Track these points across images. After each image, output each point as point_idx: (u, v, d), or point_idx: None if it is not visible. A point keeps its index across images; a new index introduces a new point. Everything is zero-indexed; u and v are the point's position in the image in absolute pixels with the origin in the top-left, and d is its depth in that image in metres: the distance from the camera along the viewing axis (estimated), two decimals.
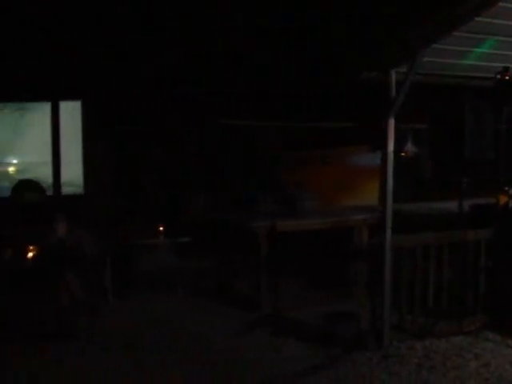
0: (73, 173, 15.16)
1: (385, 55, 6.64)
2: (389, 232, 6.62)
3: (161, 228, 9.44)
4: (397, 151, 6.80)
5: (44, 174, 14.58)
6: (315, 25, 10.89)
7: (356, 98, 10.42)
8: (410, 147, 9.99)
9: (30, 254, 7.93)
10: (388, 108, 6.63)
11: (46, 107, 14.89)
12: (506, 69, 6.71)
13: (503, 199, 7.13)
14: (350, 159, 10.35)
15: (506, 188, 7.14)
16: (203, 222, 10.86)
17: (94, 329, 7.48)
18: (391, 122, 6.62)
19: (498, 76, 6.74)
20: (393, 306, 6.78)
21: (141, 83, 13.22)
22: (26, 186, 13.03)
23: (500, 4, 5.54)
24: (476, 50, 6.52)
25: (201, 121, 12.19)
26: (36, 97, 14.40)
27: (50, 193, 14.11)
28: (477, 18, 5.73)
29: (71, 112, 15.08)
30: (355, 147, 10.44)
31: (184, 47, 12.45)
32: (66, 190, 14.93)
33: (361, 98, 10.02)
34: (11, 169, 15.77)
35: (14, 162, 15.84)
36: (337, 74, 10.26)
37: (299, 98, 11.54)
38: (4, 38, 12.50)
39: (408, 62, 6.37)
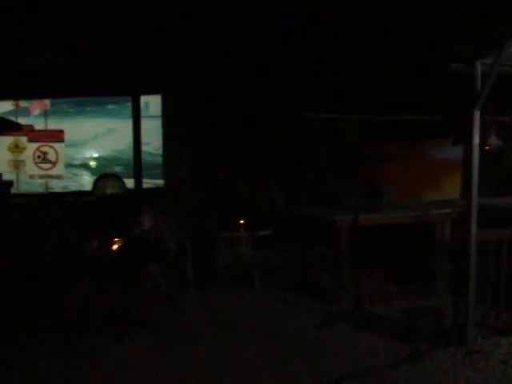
0: (153, 166, 15.45)
1: (470, 47, 6.52)
2: (474, 226, 6.51)
3: (241, 221, 9.50)
4: (481, 144, 6.67)
5: (125, 168, 14.89)
6: (402, 17, 10.81)
7: (439, 91, 10.29)
8: (494, 140, 9.78)
9: (115, 246, 8.09)
10: (473, 100, 6.51)
11: (127, 101, 15.20)
12: None
13: None
14: (432, 153, 10.22)
15: None
16: (284, 216, 10.90)
17: (175, 320, 7.59)
18: (476, 115, 6.50)
19: None
20: (477, 302, 6.66)
21: (221, 77, 13.33)
22: (107, 180, 13.29)
23: None
24: None
25: (284, 114, 12.22)
26: (117, 91, 14.68)
27: (130, 186, 14.42)
28: None
29: (152, 106, 15.37)
30: (437, 140, 10.31)
31: (265, 41, 12.50)
32: (146, 183, 15.26)
33: (444, 91, 9.89)
34: (92, 163, 16.14)
35: (96, 155, 16.20)
36: (421, 67, 10.17)
37: (384, 91, 11.46)
38: (86, 35, 12.79)
39: (494, 53, 6.24)
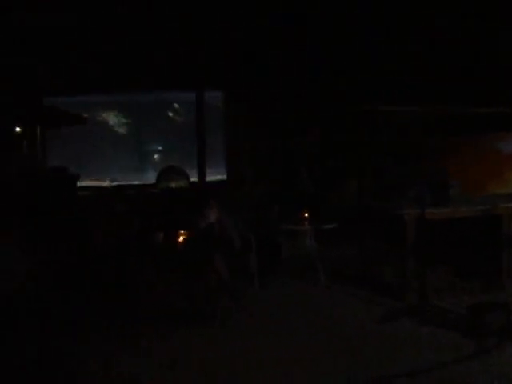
0: (216, 159, 15.56)
1: None
2: None
3: (306, 214, 9.48)
4: None
5: (188, 161, 15.01)
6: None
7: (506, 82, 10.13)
8: None
9: (181, 239, 8.18)
10: None
11: (191, 97, 15.33)
12: None
13: None
14: (499, 146, 10.05)
15: None
16: (349, 209, 10.85)
17: (239, 313, 7.66)
18: None
19: None
20: None
21: (285, 72, 13.35)
22: (171, 173, 13.38)
23: None
24: None
25: (350, 107, 12.17)
26: (181, 87, 14.82)
27: (194, 179, 14.52)
28: None
29: (214, 101, 15.49)
30: (505, 133, 10.12)
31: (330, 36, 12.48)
32: (209, 176, 15.37)
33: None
34: (156, 156, 16.34)
35: (160, 148, 16.40)
36: (491, 58, 10.02)
37: (450, 83, 11.32)
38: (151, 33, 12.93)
39: None
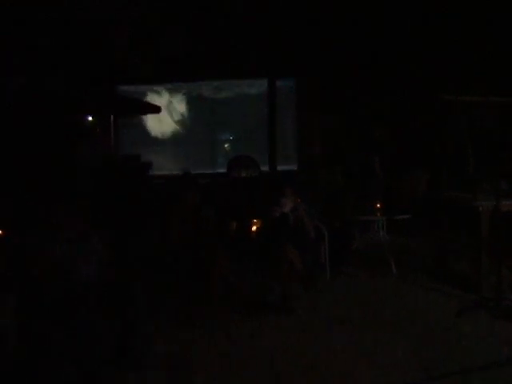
0: (288, 149, 15.58)
1: None
2: None
3: (378, 205, 9.44)
4: None
5: (259, 150, 15.07)
6: None
7: None
8: None
9: (254, 228, 8.24)
10: None
11: (263, 84, 15.37)
12: None
13: None
14: None
15: None
16: (423, 200, 10.76)
17: (311, 303, 7.69)
18: None
19: None
20: None
21: (356, 59, 13.27)
22: (242, 162, 13.47)
23: None
24: None
25: (424, 97, 12.05)
26: (253, 75, 14.87)
27: (265, 168, 14.58)
28: None
29: (287, 89, 15.48)
30: None
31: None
32: (280, 165, 15.41)
33: None
34: (227, 145, 16.46)
35: (230, 138, 16.50)
36: None
37: None
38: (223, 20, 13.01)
39: None
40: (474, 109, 10.18)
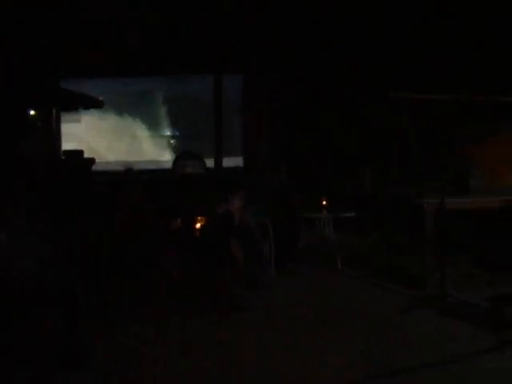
0: (233, 146, 15.48)
1: None
2: None
3: (324, 202, 9.44)
4: None
5: (205, 147, 14.95)
6: None
7: None
8: None
9: (198, 225, 8.14)
10: None
11: (209, 80, 15.24)
12: None
13: None
14: None
15: None
16: (368, 197, 10.79)
17: (258, 301, 7.61)
18: None
19: None
20: None
21: (306, 58, 13.25)
22: (187, 158, 13.34)
23: None
24: None
25: (371, 94, 12.07)
26: (199, 70, 14.73)
27: (210, 165, 14.47)
28: None
29: (233, 86, 15.37)
30: None
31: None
32: (226, 162, 15.29)
33: None
34: (173, 141, 16.28)
35: (176, 134, 16.33)
36: None
37: (473, 71, 11.21)
38: (172, 14, 12.86)
39: None
40: (421, 106, 10.26)
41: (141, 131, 16.04)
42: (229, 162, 15.32)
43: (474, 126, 10.07)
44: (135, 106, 16.07)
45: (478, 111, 10.77)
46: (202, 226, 8.06)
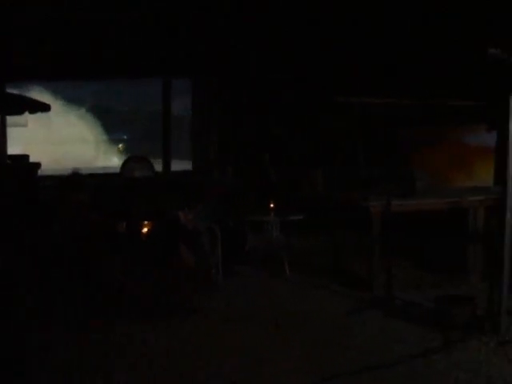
0: (182, 149, 15.44)
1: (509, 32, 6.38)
2: (509, 214, 6.39)
3: (271, 205, 9.43)
4: None
5: (153, 150, 14.87)
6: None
7: (475, 76, 10.14)
8: None
9: (145, 229, 8.08)
10: (510, 86, 6.37)
11: (158, 84, 15.16)
12: None
13: None
14: (466, 139, 10.09)
15: None
16: (317, 200, 10.82)
17: (205, 304, 7.58)
18: None
19: None
20: (510, 291, 6.57)
21: (253, 60, 13.24)
22: (135, 162, 13.25)
23: None
24: None
25: (316, 98, 12.13)
26: (149, 73, 14.64)
27: (159, 169, 14.39)
28: None
29: (182, 89, 15.33)
30: (472, 126, 10.16)
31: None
32: (174, 166, 15.23)
33: (480, 76, 9.74)
34: (121, 145, 16.19)
35: (124, 137, 16.24)
36: (458, 52, 10.03)
37: (416, 75, 11.33)
38: (120, 18, 12.76)
39: None
40: (368, 110, 10.37)
41: (89, 135, 15.92)
42: (177, 165, 15.28)
43: (420, 128, 10.20)
44: (83, 110, 15.95)
45: (424, 114, 10.92)
46: (148, 230, 7.99)
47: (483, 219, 8.31)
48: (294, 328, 6.84)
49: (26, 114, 13.53)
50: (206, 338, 6.56)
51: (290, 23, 12.73)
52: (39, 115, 14.11)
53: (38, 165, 13.08)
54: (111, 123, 16.11)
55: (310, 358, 5.99)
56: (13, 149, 14.47)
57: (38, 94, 14.75)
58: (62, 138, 15.82)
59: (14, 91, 13.60)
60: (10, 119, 14.56)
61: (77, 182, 7.97)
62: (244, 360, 5.95)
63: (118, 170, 13.15)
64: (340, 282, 8.67)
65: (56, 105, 15.48)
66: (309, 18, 12.45)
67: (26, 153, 13.39)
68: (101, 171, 14.78)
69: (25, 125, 15.26)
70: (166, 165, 15.09)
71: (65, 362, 5.92)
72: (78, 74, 14.67)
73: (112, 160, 15.72)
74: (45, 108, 13.38)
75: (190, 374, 5.64)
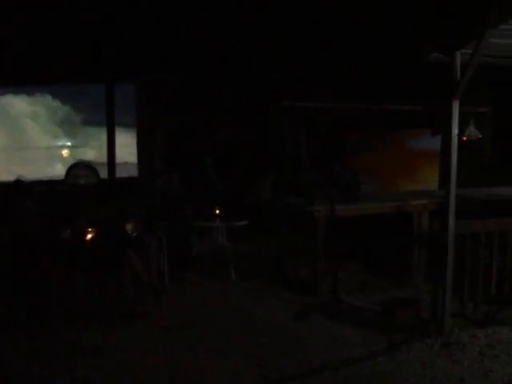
0: (127, 156, 15.28)
1: (450, 36, 6.46)
2: (452, 218, 6.49)
3: (217, 211, 9.41)
4: (459, 135, 6.63)
5: (98, 157, 14.70)
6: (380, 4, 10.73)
7: (418, 80, 10.25)
8: (471, 131, 9.74)
9: (90, 236, 7.96)
10: (452, 90, 6.47)
11: (102, 90, 14.99)
12: None
13: None
14: (410, 143, 10.21)
15: None
16: (263, 206, 10.83)
17: (152, 312, 7.52)
18: (455, 105, 6.47)
19: None
20: (454, 294, 6.66)
21: (199, 66, 13.18)
22: (80, 169, 13.11)
23: None
24: None
25: (262, 104, 12.13)
26: (91, 79, 14.47)
27: (104, 175, 14.23)
28: None
29: (126, 95, 15.17)
30: (416, 130, 10.29)
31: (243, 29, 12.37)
32: (120, 173, 15.07)
33: (423, 80, 9.85)
34: (65, 151, 15.94)
35: (68, 144, 16.00)
36: (401, 56, 10.11)
37: (362, 80, 11.41)
38: (61, 22, 12.57)
39: (474, 43, 6.20)
40: (314, 115, 10.42)
41: (33, 141, 15.66)
42: (123, 171, 15.13)
43: (365, 133, 10.29)
44: (25, 116, 15.68)
45: (369, 120, 11.02)
46: (93, 237, 7.88)
47: (427, 223, 8.39)
48: (239, 333, 6.82)
49: None
50: (151, 344, 6.49)
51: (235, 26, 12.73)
52: None
53: None
54: (55, 130, 15.84)
55: (255, 361, 5.98)
56: None
57: None
58: (3, 146, 15.53)
59: None
60: None
61: (21, 190, 7.84)
62: (187, 364, 5.93)
63: (62, 177, 13.00)
64: (287, 286, 8.68)
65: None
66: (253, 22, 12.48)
67: None
68: (45, 178, 14.56)
69: None
70: (111, 171, 14.92)
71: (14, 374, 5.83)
72: (18, 80, 14.43)
73: (56, 167, 15.45)
74: None
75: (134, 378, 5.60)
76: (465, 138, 9.62)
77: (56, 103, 15.65)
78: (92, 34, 12.85)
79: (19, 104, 15.63)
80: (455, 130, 6.46)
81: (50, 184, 13.43)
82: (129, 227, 7.96)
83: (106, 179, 14.27)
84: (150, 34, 12.85)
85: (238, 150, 13.61)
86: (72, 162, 14.05)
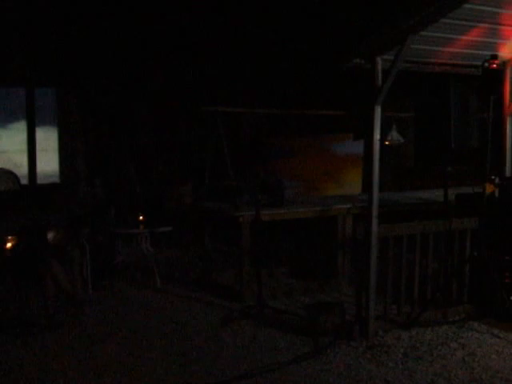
0: (49, 162, 14.98)
1: (371, 42, 6.54)
2: (375, 221, 6.56)
3: (141, 217, 9.31)
4: (381, 140, 6.71)
5: (18, 163, 14.38)
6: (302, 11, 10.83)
7: (340, 86, 10.37)
8: (394, 136, 9.90)
9: (9, 245, 7.74)
10: (374, 96, 6.55)
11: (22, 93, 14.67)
12: (494, 57, 6.65)
13: (490, 188, 7.07)
14: (333, 147, 10.29)
15: (493, 177, 7.09)
16: (186, 212, 10.76)
17: (75, 321, 7.37)
18: (377, 110, 6.54)
19: (486, 64, 6.68)
20: (378, 296, 6.74)
21: (122, 70, 13.06)
22: None
23: None
24: (464, 37, 6.46)
25: (186, 108, 12.08)
26: (10, 82, 14.16)
27: (24, 182, 13.91)
28: (465, 5, 5.64)
29: (47, 99, 14.89)
30: (339, 135, 10.38)
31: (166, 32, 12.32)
32: (41, 179, 14.76)
33: (345, 86, 9.97)
34: None
35: None
36: (322, 62, 10.21)
37: (285, 86, 11.47)
38: None
39: (395, 50, 6.30)
40: (237, 119, 10.42)
41: None
42: (46, 178, 14.85)
43: (289, 138, 10.34)
44: None
45: (293, 124, 11.09)
46: (13, 245, 7.66)
47: (351, 226, 8.47)
48: (163, 340, 6.74)
49: None
50: (73, 356, 6.34)
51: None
52: None
53: None
54: None
55: (179, 369, 5.92)
56: None
57: None
58: None
59: None
60: None
61: None
62: (110, 373, 5.82)
63: None
64: (211, 292, 8.64)
65: None
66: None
67: None
68: None
69: None
70: (33, 178, 14.62)
71: None
72: None
73: None
74: None
75: None
76: (387, 143, 9.78)
77: None
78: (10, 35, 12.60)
79: None
80: (377, 136, 6.54)
81: None
82: (50, 235, 7.79)
83: (26, 185, 13.99)
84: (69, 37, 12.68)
85: (159, 154, 13.53)
86: None
